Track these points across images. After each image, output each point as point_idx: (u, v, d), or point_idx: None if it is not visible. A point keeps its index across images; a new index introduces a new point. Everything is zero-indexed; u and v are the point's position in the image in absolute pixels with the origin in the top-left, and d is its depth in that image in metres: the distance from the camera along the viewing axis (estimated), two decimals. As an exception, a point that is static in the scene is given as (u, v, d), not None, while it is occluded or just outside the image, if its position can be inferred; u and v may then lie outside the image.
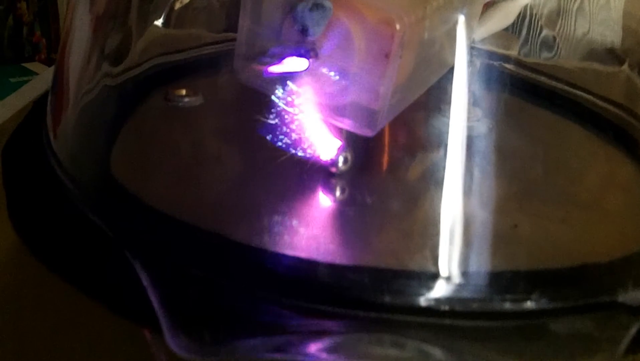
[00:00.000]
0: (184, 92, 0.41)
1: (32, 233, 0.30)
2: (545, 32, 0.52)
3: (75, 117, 0.36)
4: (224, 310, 0.26)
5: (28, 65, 1.00)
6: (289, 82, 0.31)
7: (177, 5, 0.48)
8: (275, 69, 0.30)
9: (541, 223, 0.32)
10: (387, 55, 0.29)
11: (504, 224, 0.31)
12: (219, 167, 0.35)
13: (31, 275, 0.28)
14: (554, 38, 0.53)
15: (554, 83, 0.48)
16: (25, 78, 0.90)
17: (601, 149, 0.42)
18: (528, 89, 0.47)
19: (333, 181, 0.33)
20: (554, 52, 0.53)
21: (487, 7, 0.40)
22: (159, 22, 0.45)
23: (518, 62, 0.50)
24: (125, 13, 0.41)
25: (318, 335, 0.25)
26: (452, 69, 0.33)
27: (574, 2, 0.52)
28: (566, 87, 0.47)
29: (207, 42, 0.48)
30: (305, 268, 0.27)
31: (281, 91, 0.31)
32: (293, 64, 0.30)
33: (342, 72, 0.30)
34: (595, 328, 0.26)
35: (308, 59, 0.30)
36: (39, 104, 0.40)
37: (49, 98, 0.38)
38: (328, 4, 0.28)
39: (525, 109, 0.45)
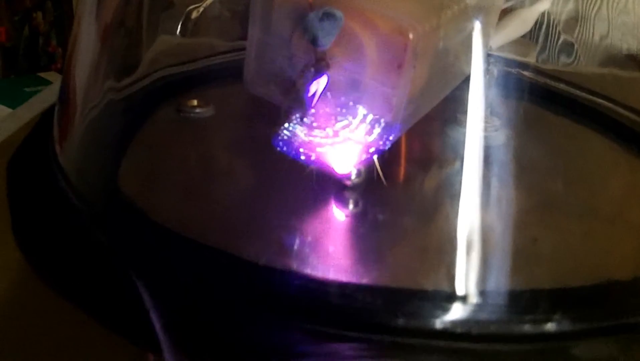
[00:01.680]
0: (195, 102, 0.40)
1: (36, 250, 0.29)
2: (563, 38, 0.51)
3: (83, 130, 0.35)
4: (229, 333, 0.25)
5: (43, 74, 1.00)
6: (300, 94, 0.30)
7: (193, 15, 0.47)
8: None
9: (562, 238, 0.31)
10: (400, 66, 0.28)
11: (523, 239, 0.30)
12: (229, 181, 0.34)
13: (34, 293, 0.28)
14: (573, 44, 0.52)
15: (573, 90, 0.47)
16: (40, 87, 0.90)
17: (624, 159, 0.41)
18: (547, 97, 0.46)
19: (346, 194, 0.32)
20: (573, 59, 0.52)
21: (504, 14, 0.39)
22: (168, 32, 0.45)
23: (536, 70, 0.49)
24: (133, 24, 0.40)
25: (327, 359, 0.24)
26: (468, 78, 0.32)
27: (593, 7, 0.51)
28: (586, 95, 0.46)
29: (218, 52, 0.47)
30: (316, 289, 0.26)
31: (292, 102, 0.30)
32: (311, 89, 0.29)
33: (354, 83, 0.29)
34: (620, 352, 0.25)
35: (319, 70, 0.29)
36: (47, 115, 0.39)
37: (56, 110, 0.37)
38: (339, 13, 0.28)
39: (544, 118, 0.44)
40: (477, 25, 0.31)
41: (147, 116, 0.39)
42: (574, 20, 0.51)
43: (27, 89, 0.90)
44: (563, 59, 0.52)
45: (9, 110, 0.78)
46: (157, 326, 0.24)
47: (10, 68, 0.98)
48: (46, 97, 0.47)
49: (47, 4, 1.02)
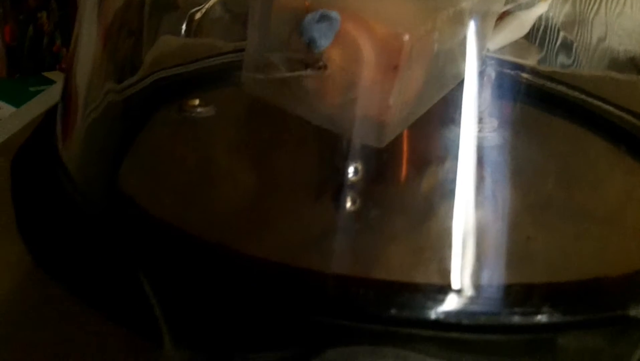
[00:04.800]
0: (196, 102, 0.41)
1: (40, 245, 0.30)
2: (562, 40, 0.52)
3: (85, 129, 0.36)
4: (227, 323, 0.25)
5: (48, 74, 1.00)
6: (297, 94, 0.30)
7: (196, 17, 0.48)
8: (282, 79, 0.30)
9: (555, 237, 0.32)
10: (395, 68, 0.29)
11: (517, 237, 0.31)
12: (228, 179, 0.34)
13: (39, 287, 0.28)
14: (572, 46, 0.52)
15: (571, 92, 0.47)
16: (44, 87, 0.90)
17: (620, 161, 0.41)
18: (545, 99, 0.46)
19: (344, 192, 0.33)
20: (571, 61, 0.53)
21: (502, 17, 0.39)
22: (169, 34, 0.45)
23: (535, 72, 0.49)
24: (134, 25, 0.41)
25: (321, 347, 0.24)
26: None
27: (591, 10, 0.52)
28: (584, 97, 0.46)
29: (220, 53, 0.48)
30: (310, 280, 0.27)
31: (289, 102, 0.31)
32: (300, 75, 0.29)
33: (351, 85, 0.30)
34: (606, 343, 0.26)
35: (316, 70, 0.29)
36: (51, 114, 0.40)
37: (59, 110, 0.37)
38: (335, 15, 0.28)
39: (542, 119, 0.45)
40: (473, 28, 0.32)
41: (149, 116, 0.40)
42: (573, 22, 0.52)
43: (31, 89, 0.90)
44: (562, 61, 0.52)
45: (14, 109, 0.78)
46: (158, 316, 0.24)
47: (15, 67, 0.98)
48: (49, 96, 0.47)
49: (52, 3, 1.02)
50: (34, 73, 0.97)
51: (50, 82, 0.94)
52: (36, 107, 0.45)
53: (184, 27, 0.47)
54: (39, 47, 1.01)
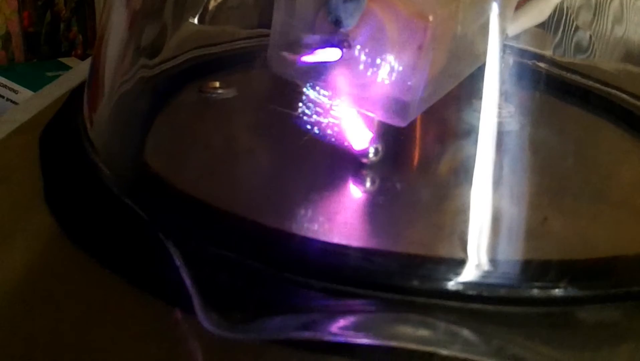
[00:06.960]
0: (217, 84, 0.41)
1: (68, 216, 0.31)
2: (579, 30, 0.52)
3: (111, 107, 0.37)
4: (254, 291, 0.26)
5: (64, 60, 1.01)
6: (321, 73, 0.31)
7: (213, 3, 0.48)
8: (308, 58, 0.30)
9: (571, 219, 0.32)
10: (419, 48, 0.29)
11: (533, 218, 0.31)
12: (250, 156, 0.35)
13: (66, 257, 0.29)
14: (589, 36, 0.52)
15: (587, 82, 0.48)
16: (61, 72, 0.91)
17: (635, 147, 0.42)
18: (561, 88, 0.47)
19: (364, 172, 0.33)
20: (588, 51, 0.53)
21: (522, 2, 0.39)
22: (194, 18, 0.46)
23: (552, 61, 0.49)
24: (161, 8, 0.42)
25: (346, 314, 0.25)
26: (484, 65, 0.33)
27: (608, -1, 0.52)
28: (600, 86, 0.47)
29: (240, 37, 0.48)
30: (333, 252, 0.27)
31: (314, 81, 0.31)
32: (326, 54, 0.30)
33: (375, 64, 0.30)
34: (622, 318, 0.26)
35: (341, 49, 0.30)
36: (76, 93, 0.41)
37: (86, 88, 0.38)
38: (362, -5, 0.29)
39: (558, 107, 0.45)
40: (495, 10, 0.32)
41: (172, 96, 0.41)
42: (591, 11, 0.52)
43: (48, 74, 0.91)
44: (579, 51, 0.52)
45: (31, 93, 0.79)
46: (187, 284, 0.25)
47: (32, 53, 0.99)
48: (68, 80, 0.48)
49: (69, -10, 1.03)
50: (50, 58, 0.99)
51: (67, 67, 0.95)
52: (56, 89, 0.46)
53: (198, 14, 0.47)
54: (56, 33, 1.02)
